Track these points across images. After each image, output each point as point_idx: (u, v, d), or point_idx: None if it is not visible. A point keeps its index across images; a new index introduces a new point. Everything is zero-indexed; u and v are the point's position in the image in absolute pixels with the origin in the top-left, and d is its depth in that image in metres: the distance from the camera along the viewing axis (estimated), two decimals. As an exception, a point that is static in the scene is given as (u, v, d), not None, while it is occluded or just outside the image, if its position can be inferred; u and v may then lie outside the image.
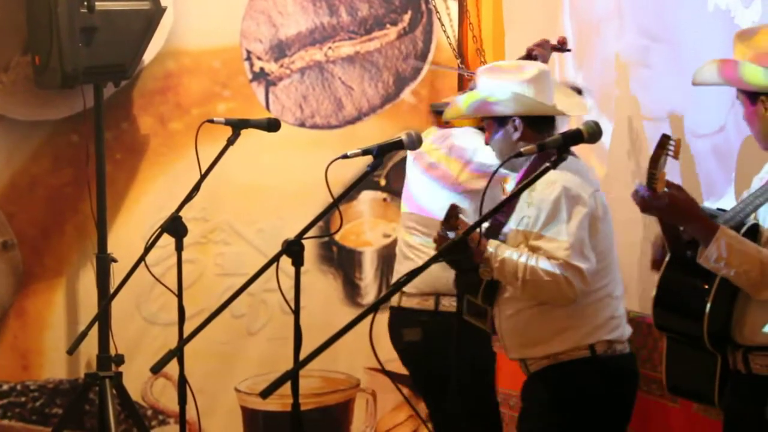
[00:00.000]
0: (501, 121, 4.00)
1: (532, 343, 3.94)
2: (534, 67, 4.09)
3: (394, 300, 4.79)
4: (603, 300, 3.90)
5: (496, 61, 5.78)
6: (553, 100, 4.03)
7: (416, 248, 4.78)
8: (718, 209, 3.39)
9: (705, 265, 3.16)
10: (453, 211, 3.89)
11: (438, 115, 4.86)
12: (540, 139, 3.45)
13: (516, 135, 3.97)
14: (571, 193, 3.81)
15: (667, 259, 3.41)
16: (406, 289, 4.41)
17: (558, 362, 3.90)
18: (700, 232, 3.16)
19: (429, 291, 4.70)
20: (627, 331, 3.99)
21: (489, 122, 4.06)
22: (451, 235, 3.86)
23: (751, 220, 3.28)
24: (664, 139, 3.10)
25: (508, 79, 3.99)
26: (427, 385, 4.89)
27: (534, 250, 3.81)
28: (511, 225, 3.94)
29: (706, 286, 3.25)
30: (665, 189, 3.12)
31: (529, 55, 4.64)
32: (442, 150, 4.78)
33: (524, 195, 3.86)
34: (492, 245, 3.82)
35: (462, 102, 4.10)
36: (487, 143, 4.12)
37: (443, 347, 4.65)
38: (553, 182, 3.79)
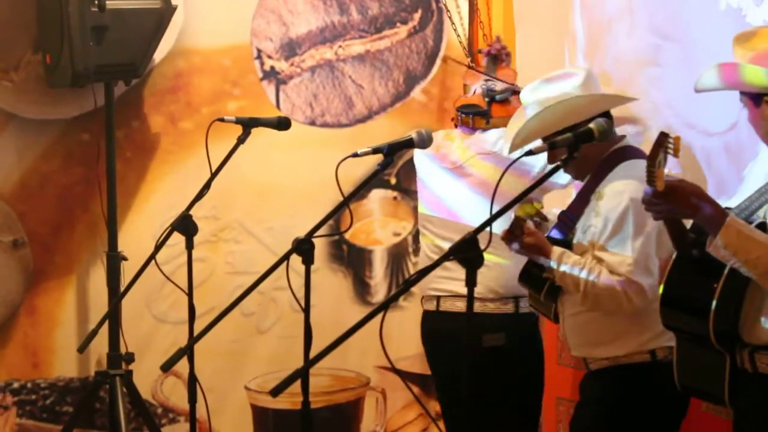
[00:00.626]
0: (757, 99, 3.85)
1: (593, 343, 3.96)
2: (581, 69, 4.05)
3: (455, 306, 4.71)
4: None
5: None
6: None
7: None
8: (726, 208, 3.38)
9: (714, 253, 3.14)
10: (518, 222, 3.88)
11: (466, 116, 4.81)
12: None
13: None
14: (639, 204, 3.65)
15: (673, 257, 3.41)
16: (478, 294, 4.32)
17: (618, 364, 3.92)
18: (710, 219, 3.13)
19: (508, 294, 4.65)
20: None
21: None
22: (515, 246, 3.86)
23: (758, 218, 3.27)
24: (662, 137, 3.08)
25: (576, 84, 3.94)
26: (510, 385, 4.84)
27: (598, 261, 3.81)
28: (578, 234, 3.94)
29: (714, 285, 3.24)
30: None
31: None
32: (480, 155, 4.76)
33: (592, 203, 3.86)
34: (555, 254, 3.81)
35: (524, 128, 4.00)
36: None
37: (526, 349, 4.69)
38: (621, 192, 3.78)
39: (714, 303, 3.23)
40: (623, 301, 3.77)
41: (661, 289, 3.45)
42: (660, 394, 3.90)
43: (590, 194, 3.92)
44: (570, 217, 3.97)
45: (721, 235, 3.10)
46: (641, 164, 3.73)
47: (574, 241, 3.94)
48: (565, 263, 3.81)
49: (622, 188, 3.77)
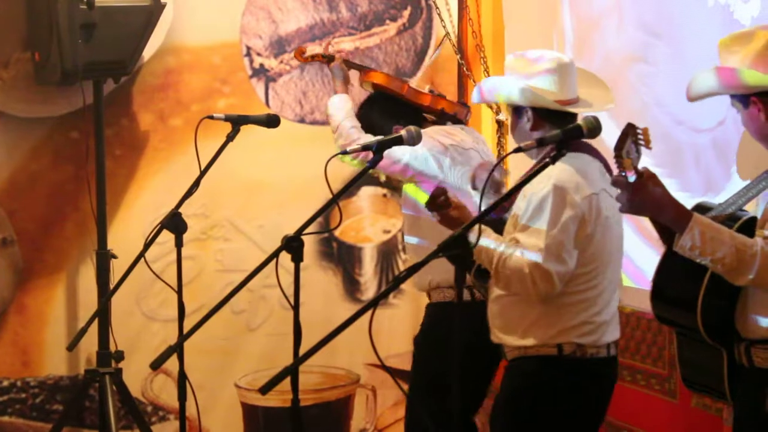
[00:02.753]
0: (517, 111, 3.97)
1: (508, 330, 3.90)
2: (551, 59, 3.99)
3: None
4: (581, 303, 3.81)
5: (495, 56, 5.80)
6: (574, 92, 3.99)
7: None
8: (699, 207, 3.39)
9: (681, 253, 3.15)
10: (438, 191, 3.85)
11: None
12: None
13: (528, 126, 3.93)
14: (561, 192, 3.73)
15: (663, 251, 3.42)
16: None
17: (526, 355, 3.86)
18: (674, 222, 3.14)
19: None
20: (609, 336, 3.87)
21: (509, 112, 4.04)
22: (436, 217, 3.84)
23: (747, 213, 3.28)
24: (628, 128, 3.10)
25: (523, 71, 3.98)
26: None
27: (515, 242, 3.78)
28: (511, 213, 3.92)
29: (701, 278, 3.25)
30: (634, 176, 3.11)
31: None
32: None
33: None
34: (474, 232, 3.75)
35: (491, 86, 4.06)
36: (511, 132, 4.10)
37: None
38: (548, 177, 3.72)
39: (701, 296, 3.25)
40: (529, 285, 3.71)
41: (651, 282, 3.45)
42: (566, 390, 3.82)
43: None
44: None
45: (685, 236, 3.11)
46: (579, 158, 3.80)
47: (507, 222, 3.91)
48: (483, 239, 3.74)
49: (551, 173, 3.69)
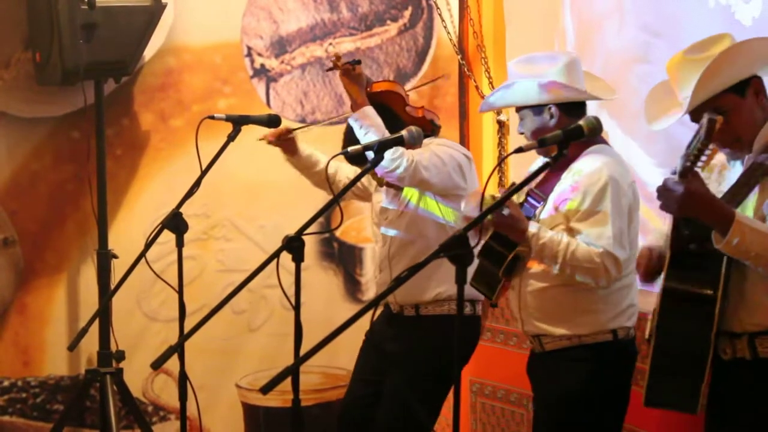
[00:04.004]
0: (537, 110, 4.02)
1: (555, 320, 3.98)
2: (566, 55, 4.12)
3: None
4: (628, 287, 3.98)
5: (496, 57, 5.80)
6: (584, 85, 4.06)
7: None
8: None
9: (725, 251, 3.17)
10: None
11: None
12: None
13: (552, 122, 4.00)
14: (617, 182, 3.86)
15: (668, 257, 3.40)
16: None
17: (581, 344, 3.96)
18: (719, 220, 3.15)
19: None
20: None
21: (524, 111, 4.08)
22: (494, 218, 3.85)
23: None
24: (713, 122, 3.07)
25: (543, 69, 4.02)
26: None
27: (575, 233, 3.86)
28: (548, 209, 3.96)
29: (717, 278, 3.27)
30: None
31: None
32: None
33: (567, 179, 3.91)
34: (534, 226, 3.84)
35: (501, 95, 4.12)
36: (521, 132, 4.14)
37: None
38: (599, 170, 3.86)
39: (719, 296, 3.26)
40: (601, 273, 3.83)
41: (660, 286, 3.44)
42: (625, 373, 4.01)
43: (561, 172, 3.96)
44: (541, 194, 4.00)
45: (732, 233, 3.12)
46: (609, 149, 3.96)
47: (542, 216, 3.97)
48: (543, 236, 3.82)
49: (600, 165, 3.87)
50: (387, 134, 4.38)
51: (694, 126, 3.20)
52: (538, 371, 4.13)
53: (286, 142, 4.81)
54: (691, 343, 3.32)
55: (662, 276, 3.44)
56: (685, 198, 3.13)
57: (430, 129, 4.67)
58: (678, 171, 3.15)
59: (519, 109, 4.11)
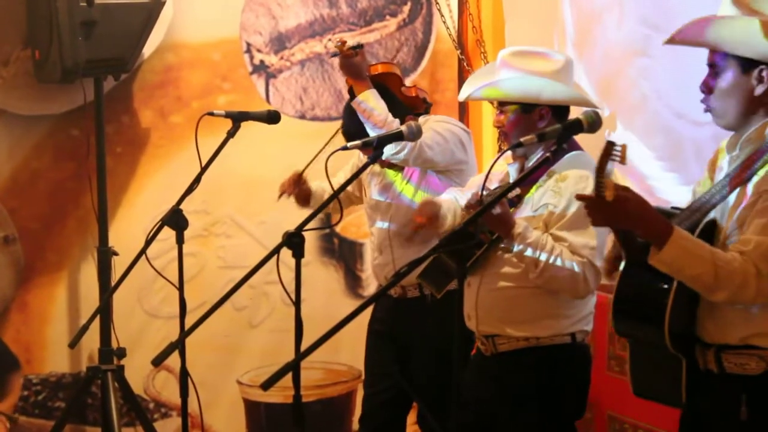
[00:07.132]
0: (527, 108, 3.96)
1: (514, 321, 3.93)
2: (562, 55, 4.05)
3: None
4: (593, 294, 3.95)
5: (495, 51, 5.79)
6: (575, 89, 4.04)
7: None
8: (673, 208, 3.29)
9: (658, 267, 3.04)
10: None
11: None
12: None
13: (541, 124, 3.92)
14: None
15: (622, 265, 3.31)
16: None
17: (537, 345, 3.92)
18: (653, 235, 3.02)
19: None
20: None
21: (512, 109, 3.98)
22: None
23: (709, 216, 3.17)
24: (609, 147, 2.94)
25: (541, 67, 3.96)
26: None
27: (557, 239, 3.81)
28: (525, 210, 3.91)
29: (667, 290, 3.12)
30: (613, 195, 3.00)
31: None
32: None
33: (549, 183, 3.87)
34: (520, 226, 3.78)
35: (504, 85, 4.01)
36: (501, 127, 4.04)
37: None
38: (587, 177, 3.78)
39: (669, 308, 3.11)
40: (580, 283, 3.79)
41: (612, 298, 3.35)
42: (581, 375, 4.00)
43: (538, 174, 3.90)
44: (518, 196, 3.95)
45: (665, 250, 3.00)
46: (588, 156, 3.84)
47: (518, 216, 3.89)
48: (529, 238, 3.78)
49: (587, 173, 3.79)
50: (390, 117, 4.43)
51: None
52: (486, 372, 4.03)
53: (302, 187, 4.84)
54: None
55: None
56: (614, 215, 2.99)
57: (423, 107, 4.71)
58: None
59: (505, 102, 4.01)
